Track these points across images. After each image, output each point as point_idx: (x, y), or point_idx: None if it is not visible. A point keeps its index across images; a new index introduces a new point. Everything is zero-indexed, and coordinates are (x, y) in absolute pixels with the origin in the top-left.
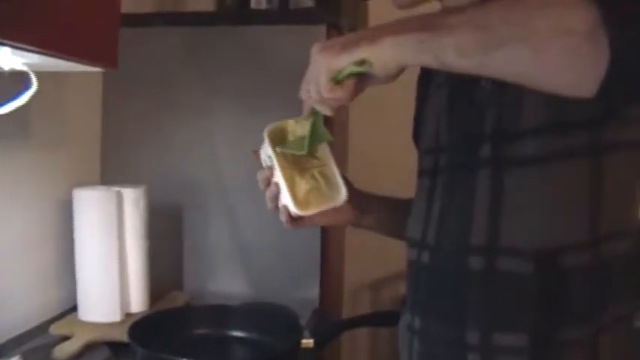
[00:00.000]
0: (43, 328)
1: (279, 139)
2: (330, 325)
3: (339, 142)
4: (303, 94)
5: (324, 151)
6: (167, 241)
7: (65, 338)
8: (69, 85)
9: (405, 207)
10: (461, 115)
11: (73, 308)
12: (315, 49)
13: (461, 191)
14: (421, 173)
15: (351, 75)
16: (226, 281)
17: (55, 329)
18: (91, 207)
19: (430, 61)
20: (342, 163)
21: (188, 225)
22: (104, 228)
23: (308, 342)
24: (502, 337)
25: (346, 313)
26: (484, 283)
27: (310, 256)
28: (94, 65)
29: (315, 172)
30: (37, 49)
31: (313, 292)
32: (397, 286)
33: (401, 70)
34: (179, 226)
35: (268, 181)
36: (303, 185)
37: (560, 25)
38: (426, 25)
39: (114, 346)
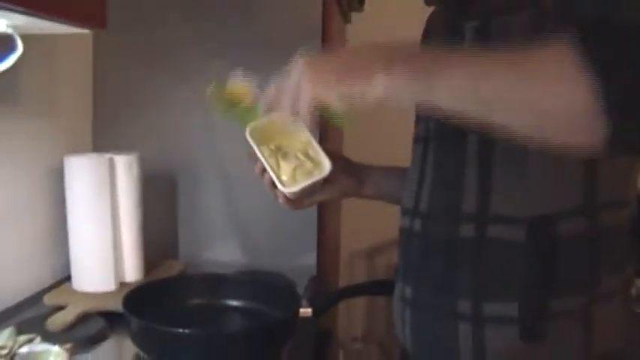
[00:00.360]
0: (36, 298)
1: (259, 135)
2: (327, 293)
3: None
4: (273, 101)
5: (303, 133)
6: (161, 209)
7: (59, 308)
8: (59, 51)
9: (405, 175)
10: (443, 185)
11: (67, 278)
12: (304, 65)
13: (451, 159)
14: (415, 139)
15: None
16: (222, 249)
17: (49, 299)
18: (83, 174)
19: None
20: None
21: (182, 193)
22: (96, 196)
23: (306, 311)
24: (492, 307)
25: (342, 281)
26: (475, 250)
27: (307, 224)
28: (82, 26)
29: (298, 153)
30: (20, 9)
31: (310, 260)
32: (393, 254)
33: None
34: (173, 193)
35: (263, 171)
36: (286, 166)
37: (564, 108)
38: (423, 68)
39: (109, 315)
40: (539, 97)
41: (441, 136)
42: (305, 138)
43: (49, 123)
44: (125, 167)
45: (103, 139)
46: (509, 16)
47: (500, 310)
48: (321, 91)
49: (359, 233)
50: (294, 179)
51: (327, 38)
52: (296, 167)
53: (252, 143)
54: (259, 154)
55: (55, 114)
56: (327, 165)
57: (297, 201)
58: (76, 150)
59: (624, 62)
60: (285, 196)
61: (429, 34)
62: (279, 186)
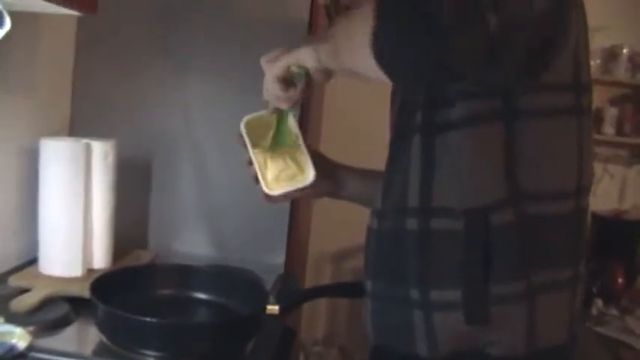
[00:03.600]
0: (1, 279)
1: (254, 128)
2: (295, 292)
3: (313, 121)
4: (265, 96)
5: (295, 138)
6: (134, 197)
7: (24, 291)
8: (42, 32)
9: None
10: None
11: (33, 261)
12: (263, 61)
13: (401, 158)
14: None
15: (300, 74)
16: (192, 242)
17: (14, 281)
18: (59, 158)
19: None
20: (315, 140)
21: (156, 183)
22: (70, 180)
23: (273, 308)
24: (438, 293)
25: (308, 282)
26: (420, 242)
27: (278, 222)
28: (73, 8)
29: (287, 157)
30: None
31: (279, 258)
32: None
33: (328, 74)
34: (147, 183)
35: (250, 163)
36: (273, 168)
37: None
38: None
39: (74, 301)
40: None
41: (396, 137)
42: (294, 136)
43: (26, 103)
44: (101, 154)
45: (80, 124)
46: None
47: (446, 296)
48: (271, 66)
49: (327, 236)
50: (277, 180)
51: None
52: (282, 170)
53: (246, 139)
54: (250, 151)
55: (34, 95)
56: (310, 174)
57: (274, 196)
58: (53, 133)
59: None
60: (264, 193)
61: None
62: (262, 186)
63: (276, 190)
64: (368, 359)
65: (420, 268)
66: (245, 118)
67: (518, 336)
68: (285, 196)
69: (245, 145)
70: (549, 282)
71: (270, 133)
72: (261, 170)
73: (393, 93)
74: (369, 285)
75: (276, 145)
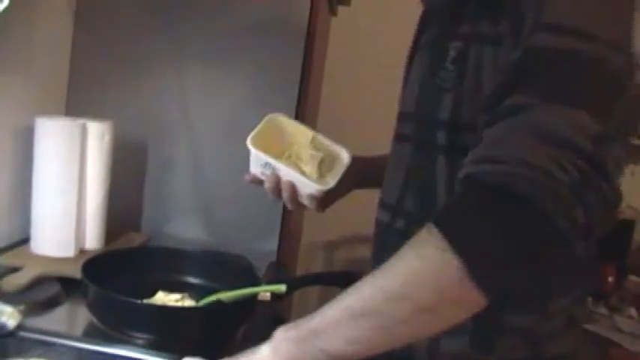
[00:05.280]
0: None
1: (264, 142)
2: (289, 279)
3: (311, 109)
4: None
5: (304, 129)
6: (129, 180)
7: (15, 270)
8: (41, 9)
9: (382, 163)
10: (428, 91)
11: (25, 240)
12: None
13: (427, 161)
14: (395, 136)
15: None
16: (185, 226)
17: (5, 260)
18: (54, 137)
19: None
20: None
21: (152, 166)
22: (65, 160)
23: (265, 295)
24: None
25: (300, 271)
26: None
27: (272, 210)
28: None
29: (310, 151)
30: None
31: (272, 245)
32: (352, 248)
33: None
34: (142, 166)
35: (277, 187)
36: (309, 167)
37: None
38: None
39: (65, 281)
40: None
41: (416, 145)
42: (307, 133)
43: (22, 82)
44: (97, 134)
45: (76, 105)
46: (487, 47)
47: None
48: None
49: (320, 225)
50: (321, 176)
51: (313, 29)
52: (319, 164)
53: (268, 158)
54: (282, 166)
55: (30, 74)
56: (344, 152)
57: (327, 200)
58: (49, 112)
59: (478, 234)
60: (317, 200)
61: (421, 36)
62: (316, 187)
63: (327, 183)
64: None
65: None
66: (250, 138)
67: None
68: (333, 198)
69: (264, 165)
70: (553, 311)
71: (278, 139)
72: (307, 177)
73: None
74: None
75: (290, 147)
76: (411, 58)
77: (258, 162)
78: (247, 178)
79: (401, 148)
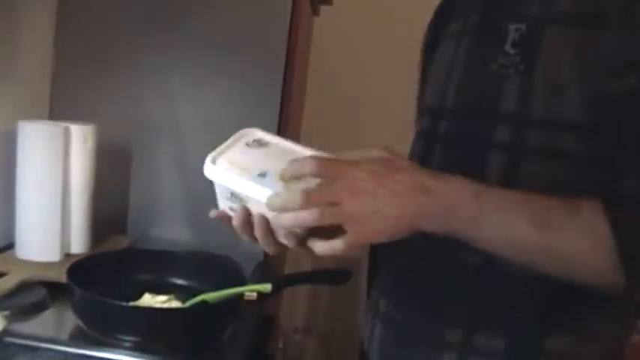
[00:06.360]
0: None
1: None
2: (275, 278)
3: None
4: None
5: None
6: (113, 183)
7: (0, 275)
8: (21, 14)
9: None
10: (476, 80)
11: (10, 246)
12: (306, 165)
13: (464, 171)
14: (417, 133)
15: None
16: (171, 229)
17: None
18: (37, 141)
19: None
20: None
21: (136, 169)
22: (49, 164)
23: (251, 295)
24: (484, 339)
25: (288, 270)
26: (480, 279)
27: None
28: None
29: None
30: None
31: (258, 245)
32: None
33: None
34: (127, 169)
35: (247, 221)
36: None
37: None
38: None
39: (50, 286)
40: (573, 259)
41: (453, 143)
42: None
43: (5, 85)
44: (80, 138)
45: (59, 108)
46: (569, 29)
47: (489, 344)
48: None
49: None
50: None
51: (295, 28)
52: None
53: (234, 183)
54: (272, 181)
55: (13, 78)
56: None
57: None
58: (32, 116)
59: None
60: (294, 236)
61: (446, 21)
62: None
63: None
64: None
65: (471, 308)
66: (211, 158)
67: None
68: None
69: (230, 209)
70: (591, 332)
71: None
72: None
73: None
74: (383, 305)
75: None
76: (430, 51)
77: (228, 188)
78: (213, 215)
79: (416, 145)
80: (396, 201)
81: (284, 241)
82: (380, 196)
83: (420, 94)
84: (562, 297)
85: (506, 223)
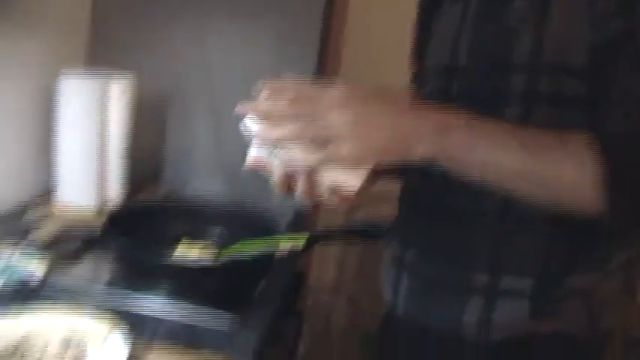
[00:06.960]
0: (17, 212)
1: None
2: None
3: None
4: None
5: None
6: (149, 134)
7: (40, 223)
8: None
9: None
10: (489, 36)
11: (51, 193)
12: (349, 102)
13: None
14: (427, 94)
15: None
16: (206, 182)
17: (31, 214)
18: (76, 95)
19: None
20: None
21: (173, 121)
22: (87, 116)
23: (284, 249)
24: (509, 281)
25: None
26: (500, 222)
27: None
28: None
29: None
30: None
31: (292, 202)
32: (373, 207)
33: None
34: (163, 120)
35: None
36: None
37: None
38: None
39: (88, 235)
40: (559, 186)
41: (469, 99)
42: None
43: (43, 32)
44: (118, 90)
45: (97, 57)
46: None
47: (515, 285)
48: (358, 160)
49: None
50: None
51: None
52: None
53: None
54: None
55: (50, 24)
56: None
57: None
58: (69, 63)
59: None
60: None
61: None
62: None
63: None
64: (381, 324)
65: (494, 252)
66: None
67: (578, 328)
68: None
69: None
70: (612, 269)
71: None
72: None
73: None
74: (409, 258)
75: None
76: (432, 9)
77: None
78: (249, 162)
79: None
80: (391, 117)
81: (325, 195)
82: (374, 111)
83: (415, 53)
84: (582, 234)
85: (498, 148)
